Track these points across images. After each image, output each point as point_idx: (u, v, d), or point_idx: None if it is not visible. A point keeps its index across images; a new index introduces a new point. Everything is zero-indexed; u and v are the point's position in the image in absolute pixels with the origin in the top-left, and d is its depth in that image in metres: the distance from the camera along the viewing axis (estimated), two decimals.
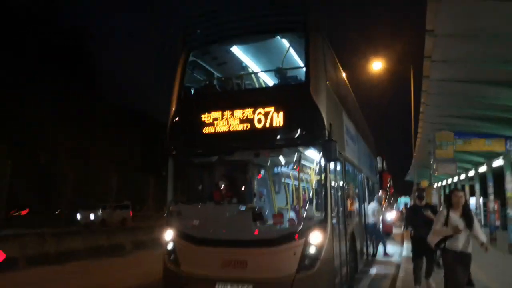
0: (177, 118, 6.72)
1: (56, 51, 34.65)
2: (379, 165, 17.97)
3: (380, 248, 12.96)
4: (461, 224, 5.17)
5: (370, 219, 11.70)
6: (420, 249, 6.91)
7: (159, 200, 17.19)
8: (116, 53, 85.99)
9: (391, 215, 21.91)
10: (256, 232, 6.07)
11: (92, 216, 24.92)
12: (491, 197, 18.95)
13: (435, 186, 35.53)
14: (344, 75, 9.49)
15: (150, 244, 15.43)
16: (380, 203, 13.05)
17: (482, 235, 5.32)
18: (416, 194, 7.85)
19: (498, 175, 21.45)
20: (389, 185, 24.55)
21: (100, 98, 39.61)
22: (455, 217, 5.25)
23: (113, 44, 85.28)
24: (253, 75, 7.99)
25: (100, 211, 25.32)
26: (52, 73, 31.86)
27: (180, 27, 7.24)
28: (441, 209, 6.36)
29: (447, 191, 40.82)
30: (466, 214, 5.29)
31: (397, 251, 14.11)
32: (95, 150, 29.72)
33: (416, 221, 7.12)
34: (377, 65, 20.95)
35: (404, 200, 38.77)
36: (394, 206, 31.32)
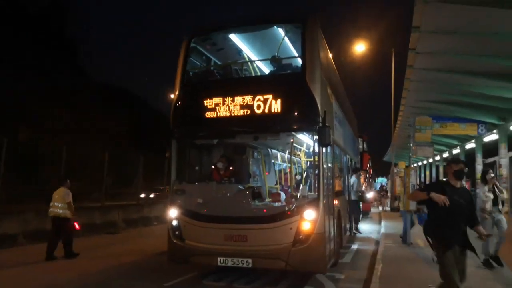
0: (180, 103, 7.07)
1: (35, 26, 33.14)
2: (360, 146, 18.67)
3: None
4: None
5: (352, 196, 12.08)
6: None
7: (150, 178, 17.06)
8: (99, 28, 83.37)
9: (369, 195, 23.01)
10: (255, 210, 6.53)
11: None
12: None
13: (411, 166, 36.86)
14: (331, 55, 9.76)
15: (140, 221, 15.82)
16: (358, 178, 13.62)
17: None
18: (454, 170, 4.67)
19: (470, 157, 22.76)
20: (369, 165, 25.52)
21: (85, 75, 38.30)
22: None
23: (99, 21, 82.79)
24: (249, 62, 8.37)
25: None
26: (36, 53, 30.44)
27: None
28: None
29: (422, 171, 42.42)
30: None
31: (375, 229, 15.05)
32: (82, 127, 28.68)
33: (454, 213, 4.45)
34: (360, 47, 21.59)
35: (381, 181, 39.97)
36: (372, 186, 32.46)
